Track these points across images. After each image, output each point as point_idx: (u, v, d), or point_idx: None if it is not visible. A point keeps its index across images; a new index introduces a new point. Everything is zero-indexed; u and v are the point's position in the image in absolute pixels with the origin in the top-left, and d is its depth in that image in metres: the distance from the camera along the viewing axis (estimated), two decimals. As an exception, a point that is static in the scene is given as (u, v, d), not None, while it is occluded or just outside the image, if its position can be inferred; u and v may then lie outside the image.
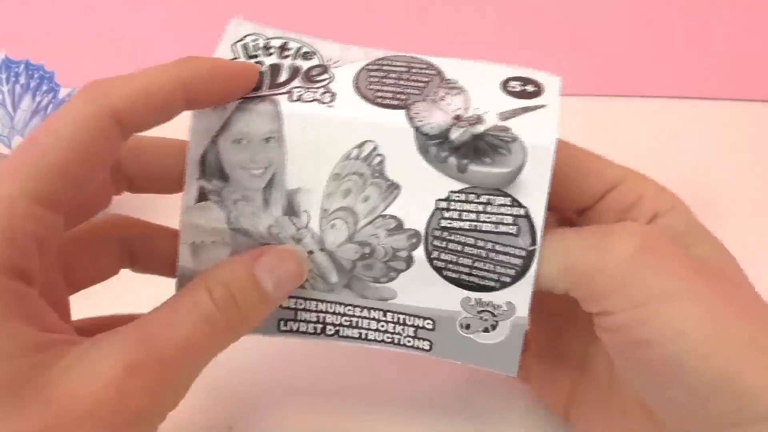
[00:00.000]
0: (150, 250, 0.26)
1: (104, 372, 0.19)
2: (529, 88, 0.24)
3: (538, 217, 0.22)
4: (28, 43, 0.42)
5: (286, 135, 0.23)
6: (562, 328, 0.27)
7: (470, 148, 0.23)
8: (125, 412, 0.19)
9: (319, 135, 0.23)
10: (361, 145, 0.23)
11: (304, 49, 0.25)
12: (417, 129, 0.23)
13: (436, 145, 0.23)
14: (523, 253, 0.23)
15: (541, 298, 0.27)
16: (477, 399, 0.30)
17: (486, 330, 0.24)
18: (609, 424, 0.25)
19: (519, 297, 0.23)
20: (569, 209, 0.26)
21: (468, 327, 0.24)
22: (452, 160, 0.23)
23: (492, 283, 0.23)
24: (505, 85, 0.24)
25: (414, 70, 0.24)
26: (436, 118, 0.23)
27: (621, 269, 0.21)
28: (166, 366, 0.20)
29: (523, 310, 0.23)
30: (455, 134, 0.23)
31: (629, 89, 0.49)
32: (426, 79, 0.24)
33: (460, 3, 0.51)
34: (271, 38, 0.25)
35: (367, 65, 0.25)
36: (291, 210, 0.24)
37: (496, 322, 0.24)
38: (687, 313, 0.21)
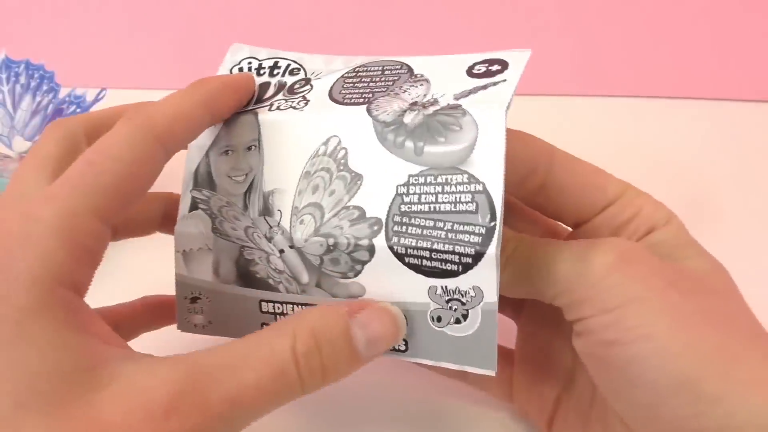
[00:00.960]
0: (128, 220, 0.27)
1: (147, 405, 0.19)
2: (494, 67, 0.24)
3: (496, 191, 0.22)
4: (28, 43, 0.43)
5: (264, 141, 0.25)
6: (551, 341, 0.28)
7: (424, 129, 0.23)
8: None
9: (290, 137, 0.25)
10: (326, 141, 0.24)
11: (292, 66, 0.27)
12: (374, 118, 0.23)
13: (392, 131, 0.23)
14: (483, 230, 0.22)
15: (533, 310, 0.28)
16: (460, 407, 0.30)
17: (458, 321, 0.23)
18: None
19: (484, 280, 0.22)
20: (567, 221, 0.26)
21: (439, 320, 0.23)
22: (409, 144, 0.23)
23: (453, 267, 0.22)
24: (470, 69, 0.24)
25: (387, 71, 0.25)
26: (392, 106, 0.24)
27: (597, 277, 0.22)
28: (210, 416, 0.19)
29: (491, 294, 0.22)
30: (409, 118, 0.23)
31: (629, 89, 0.49)
32: (395, 78, 0.25)
33: (460, 4, 0.51)
34: (264, 59, 0.28)
35: (346, 74, 0.26)
36: (266, 210, 0.25)
37: (466, 310, 0.23)
38: (654, 318, 0.21)
